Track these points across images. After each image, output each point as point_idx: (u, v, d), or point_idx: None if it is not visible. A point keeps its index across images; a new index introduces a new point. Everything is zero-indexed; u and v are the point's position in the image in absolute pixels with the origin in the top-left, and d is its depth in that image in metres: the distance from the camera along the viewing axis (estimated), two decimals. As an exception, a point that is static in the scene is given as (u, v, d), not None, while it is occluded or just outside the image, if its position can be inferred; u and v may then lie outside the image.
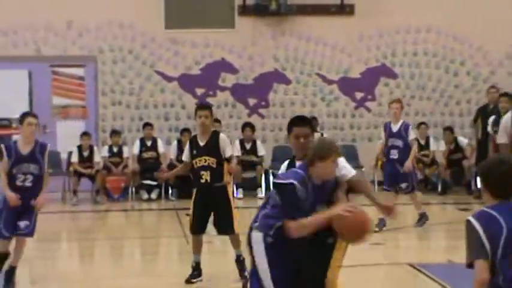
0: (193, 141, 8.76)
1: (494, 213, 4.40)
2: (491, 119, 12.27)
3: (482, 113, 15.46)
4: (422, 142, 16.47)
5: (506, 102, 12.00)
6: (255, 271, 5.73)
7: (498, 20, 16.84)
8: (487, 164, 4.62)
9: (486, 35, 16.97)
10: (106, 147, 16.41)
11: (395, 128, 12.02)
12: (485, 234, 4.33)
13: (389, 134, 12.05)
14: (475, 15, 16.91)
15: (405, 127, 12.00)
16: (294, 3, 17.00)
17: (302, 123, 6.06)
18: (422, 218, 12.09)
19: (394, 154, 12.00)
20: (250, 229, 5.79)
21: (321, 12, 17.17)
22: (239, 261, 8.71)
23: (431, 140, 16.59)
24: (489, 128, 12.35)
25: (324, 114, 17.28)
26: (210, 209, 8.65)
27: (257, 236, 5.69)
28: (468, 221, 4.38)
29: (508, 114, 9.64)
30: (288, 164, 6.04)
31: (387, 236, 11.81)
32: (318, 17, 17.18)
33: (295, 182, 5.46)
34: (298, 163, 5.90)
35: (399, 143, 11.96)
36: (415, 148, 12.21)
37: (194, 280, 8.60)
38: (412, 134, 12.14)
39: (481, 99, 16.46)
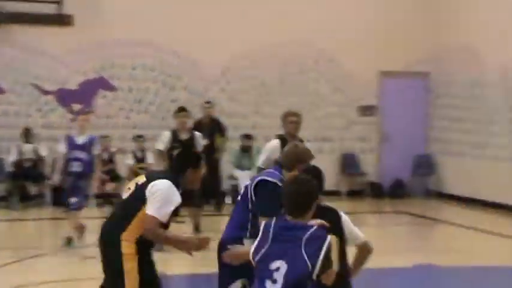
0: None
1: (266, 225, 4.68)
2: (167, 134, 12.09)
3: (198, 128, 15.80)
4: (140, 155, 16.59)
5: (185, 117, 12.18)
6: None
7: (212, 37, 17.33)
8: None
9: (202, 50, 17.41)
10: None
11: (80, 140, 11.74)
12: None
13: (73, 146, 11.69)
14: (192, 31, 17.29)
15: (91, 140, 11.80)
16: (8, 11, 16.41)
17: None
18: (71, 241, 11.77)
19: (77, 167, 11.65)
20: (239, 239, 5.71)
21: (38, 21, 16.74)
22: None
23: (149, 154, 16.69)
24: (161, 145, 12.01)
25: (39, 126, 16.82)
26: None
27: None
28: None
29: (274, 142, 9.80)
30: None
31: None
32: (35, 27, 16.74)
33: (278, 182, 5.70)
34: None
35: (83, 155, 11.67)
36: (98, 162, 11.98)
37: None
38: (97, 148, 11.95)
39: (196, 114, 16.77)
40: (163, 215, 5.79)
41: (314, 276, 4.43)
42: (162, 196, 5.80)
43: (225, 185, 16.62)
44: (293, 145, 6.22)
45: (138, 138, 16.80)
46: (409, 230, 15.02)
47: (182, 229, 13.15)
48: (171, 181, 5.87)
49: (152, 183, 5.86)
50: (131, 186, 5.99)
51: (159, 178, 5.91)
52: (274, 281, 4.41)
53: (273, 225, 4.58)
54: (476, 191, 17.15)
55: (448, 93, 18.26)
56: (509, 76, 16.26)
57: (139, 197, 5.85)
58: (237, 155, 17.11)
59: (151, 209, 5.78)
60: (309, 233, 4.49)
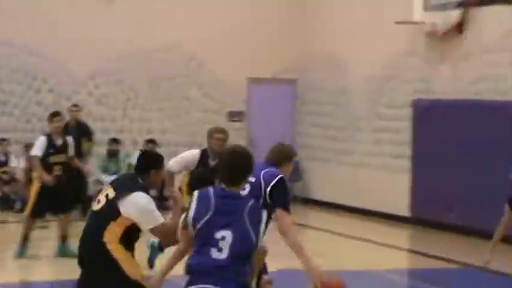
0: None
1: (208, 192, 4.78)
2: (43, 140, 11.75)
3: (64, 131, 15.50)
4: (3, 158, 16.24)
5: (60, 122, 12.05)
6: None
7: (80, 38, 17.05)
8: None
9: (70, 52, 17.09)
10: None
11: None
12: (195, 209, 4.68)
13: None
14: (59, 31, 16.96)
15: None
16: None
17: None
18: None
19: None
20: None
21: None
22: None
23: (12, 157, 16.32)
24: (38, 151, 11.52)
25: None
26: None
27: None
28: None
29: (195, 152, 9.70)
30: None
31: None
32: None
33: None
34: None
35: None
36: None
37: None
38: None
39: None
40: (159, 216, 5.84)
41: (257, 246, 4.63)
42: (147, 206, 5.80)
43: (91, 190, 16.36)
44: (279, 144, 6.54)
45: (2, 141, 16.39)
46: (275, 235, 15.17)
47: (44, 234, 12.90)
48: (142, 191, 5.83)
49: (125, 199, 5.75)
50: (101, 199, 5.89)
51: (131, 191, 5.81)
52: (220, 250, 4.55)
53: (212, 194, 4.68)
54: (340, 197, 17.55)
55: (314, 101, 18.61)
56: (372, 85, 16.73)
57: (111, 211, 5.75)
58: (104, 159, 16.90)
59: (151, 223, 5.79)
60: (251, 203, 4.71)
